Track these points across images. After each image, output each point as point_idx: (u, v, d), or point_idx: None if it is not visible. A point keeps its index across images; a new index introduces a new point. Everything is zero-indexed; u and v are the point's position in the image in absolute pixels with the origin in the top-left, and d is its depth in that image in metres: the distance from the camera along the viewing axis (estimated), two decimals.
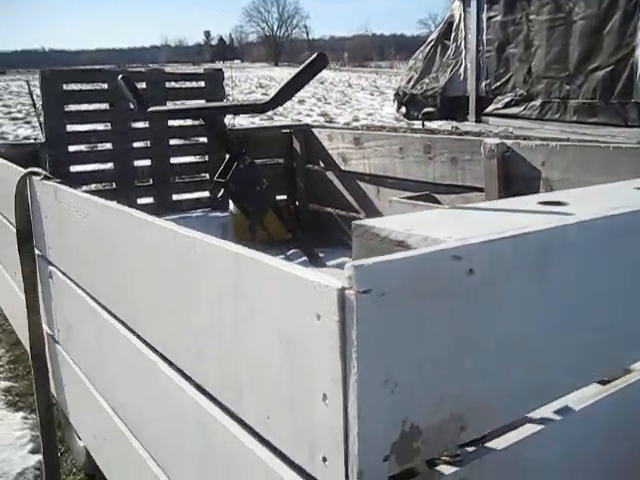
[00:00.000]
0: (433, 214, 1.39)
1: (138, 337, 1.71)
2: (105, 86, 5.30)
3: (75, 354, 2.51)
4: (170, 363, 1.55)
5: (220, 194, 3.96)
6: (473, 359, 1.00)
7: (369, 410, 0.88)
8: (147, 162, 5.51)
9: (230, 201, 4.56)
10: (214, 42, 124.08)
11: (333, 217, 4.95)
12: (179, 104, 5.44)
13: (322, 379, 0.92)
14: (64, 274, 2.43)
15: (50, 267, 2.63)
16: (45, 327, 2.89)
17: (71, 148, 5.23)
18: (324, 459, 0.95)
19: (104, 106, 5.48)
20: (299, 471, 1.05)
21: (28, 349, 3.02)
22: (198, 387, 1.39)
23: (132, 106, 4.44)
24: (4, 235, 3.70)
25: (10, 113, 25.28)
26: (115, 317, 1.89)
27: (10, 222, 3.48)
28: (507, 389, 1.08)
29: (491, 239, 1.02)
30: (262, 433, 1.13)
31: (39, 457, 3.28)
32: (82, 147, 5.42)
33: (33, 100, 10.11)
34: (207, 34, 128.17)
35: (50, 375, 2.93)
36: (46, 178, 2.65)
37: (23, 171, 2.83)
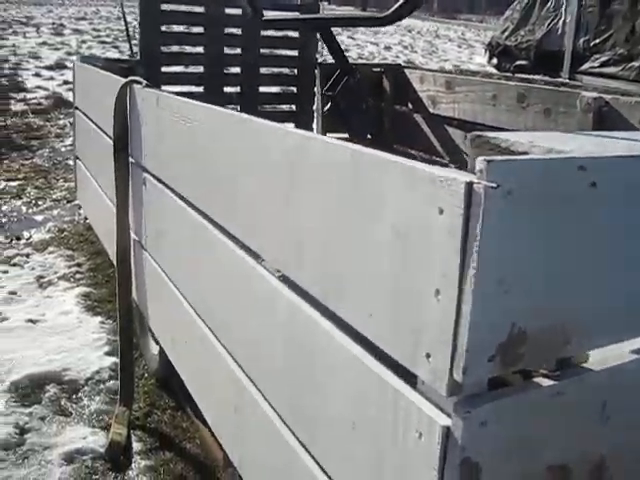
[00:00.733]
0: (553, 134, 1.36)
1: (235, 240, 1.75)
2: (201, 9, 5.34)
3: (162, 260, 2.58)
4: (266, 267, 1.59)
5: (327, 107, 3.91)
6: (588, 273, 1.00)
7: (482, 307, 0.89)
8: (237, 89, 5.55)
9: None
10: None
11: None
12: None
13: (437, 275, 0.93)
14: (159, 180, 2.49)
15: (144, 174, 2.70)
16: (132, 234, 2.97)
17: (164, 69, 5.30)
18: (427, 355, 0.97)
19: (199, 29, 5.53)
20: (396, 368, 1.07)
21: (114, 255, 3.13)
22: (295, 289, 1.42)
23: (247, 11, 4.33)
24: (97, 144, 3.81)
25: (99, 37, 25.66)
26: (211, 221, 1.93)
27: (104, 131, 3.58)
28: (616, 310, 1.07)
29: (617, 155, 1.00)
30: (361, 330, 1.15)
31: (114, 359, 3.42)
32: (175, 68, 5.46)
33: (125, 20, 10.27)
34: None
35: (133, 281, 3.03)
36: (147, 87, 2.70)
37: (124, 80, 2.89)
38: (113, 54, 19.31)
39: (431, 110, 4.69)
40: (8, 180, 6.62)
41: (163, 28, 5.25)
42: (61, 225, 5.42)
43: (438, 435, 0.95)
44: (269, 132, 1.47)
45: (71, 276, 4.49)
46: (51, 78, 13.95)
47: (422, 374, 1.00)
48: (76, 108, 4.66)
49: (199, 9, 5.33)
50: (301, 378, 1.44)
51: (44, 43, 21.94)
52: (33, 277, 4.45)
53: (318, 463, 1.40)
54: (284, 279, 1.48)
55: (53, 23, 33.73)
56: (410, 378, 1.05)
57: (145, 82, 2.75)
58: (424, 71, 5.05)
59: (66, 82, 13.19)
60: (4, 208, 5.83)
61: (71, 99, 10.94)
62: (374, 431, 1.14)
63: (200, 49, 5.48)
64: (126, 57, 13.58)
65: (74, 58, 17.09)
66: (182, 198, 2.21)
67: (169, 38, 5.43)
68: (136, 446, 2.92)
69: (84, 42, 23.15)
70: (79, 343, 3.65)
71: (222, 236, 1.84)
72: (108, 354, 3.55)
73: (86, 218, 5.11)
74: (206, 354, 2.09)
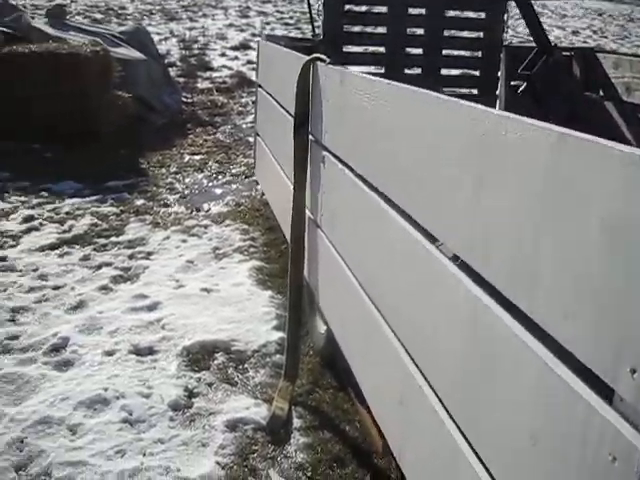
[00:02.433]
0: None
1: (414, 224, 1.69)
2: None
3: (336, 239, 2.57)
4: (444, 254, 1.51)
5: (521, 89, 3.75)
6: None
7: None
8: (417, 71, 5.48)
9: None
10: None
11: None
12: None
13: None
14: (338, 159, 2.47)
15: (323, 152, 2.69)
16: (307, 212, 2.99)
17: (345, 48, 5.32)
18: (633, 370, 0.85)
19: (382, 9, 5.50)
20: (590, 379, 0.97)
21: (288, 232, 3.17)
22: (478, 280, 1.34)
23: None
24: (277, 121, 3.86)
25: (282, 19, 26.34)
26: (390, 203, 1.88)
27: (285, 109, 3.63)
28: None
29: None
30: (552, 333, 1.05)
31: (281, 334, 3.48)
32: (356, 48, 5.47)
33: (309, 1, 10.44)
34: None
35: (305, 259, 3.05)
36: (331, 64, 2.69)
37: (308, 57, 2.90)
38: (296, 35, 19.79)
39: (625, 98, 4.38)
40: (192, 154, 6.93)
41: (346, 8, 5.27)
42: (239, 199, 5.60)
43: (637, 463, 0.85)
44: (461, 111, 1.39)
45: (245, 249, 4.62)
46: (236, 58, 14.47)
47: (623, 390, 0.89)
48: (259, 86, 4.78)
49: None
50: (477, 377, 1.36)
51: (231, 25, 22.82)
52: (210, 248, 4.62)
53: (486, 467, 1.32)
54: (465, 268, 1.40)
55: (240, 6, 35.02)
56: (605, 391, 0.94)
57: (329, 60, 2.74)
58: (620, 55, 4.72)
59: (249, 62, 13.64)
60: (187, 180, 6.12)
61: (254, 78, 11.32)
62: (557, 447, 1.04)
63: (382, 29, 5.46)
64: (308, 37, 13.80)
65: (258, 39, 17.69)
66: (361, 178, 2.18)
67: (352, 18, 5.45)
68: (296, 422, 2.94)
69: (268, 24, 23.85)
70: (249, 315, 3.74)
71: (400, 219, 1.79)
72: (276, 328, 3.61)
73: (263, 194, 5.23)
74: (374, 339, 2.05)
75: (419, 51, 5.52)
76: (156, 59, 9.15)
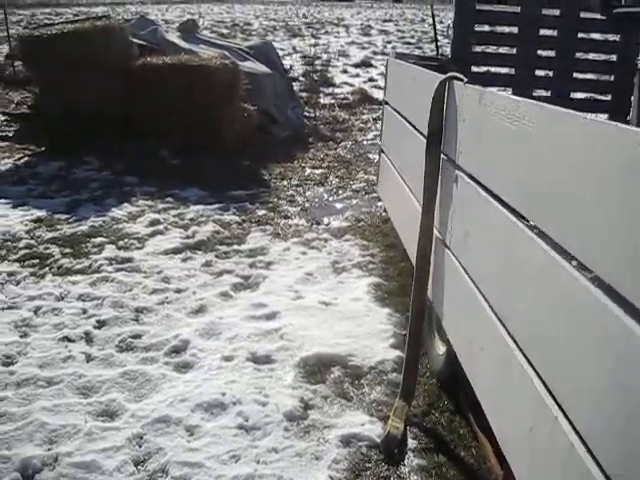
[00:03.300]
0: None
1: (559, 250, 1.63)
2: (517, 9, 5.23)
3: (467, 260, 2.51)
4: (598, 282, 1.45)
5: None
6: None
7: None
8: (547, 93, 5.37)
9: None
10: None
11: None
12: None
13: None
14: (473, 178, 2.43)
15: (457, 171, 2.65)
16: (435, 231, 2.95)
17: (474, 68, 5.27)
18: None
19: (512, 30, 5.42)
20: None
21: (411, 249, 3.14)
22: (630, 310, 1.28)
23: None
24: (405, 139, 3.85)
25: (404, 38, 26.40)
26: (530, 226, 1.83)
27: (414, 126, 3.61)
28: None
29: None
30: None
31: (399, 353, 3.45)
32: (483, 68, 5.40)
33: (434, 21, 10.41)
34: None
35: (430, 278, 3.01)
36: (469, 83, 2.65)
37: (443, 76, 2.87)
38: (420, 54, 19.76)
39: None
40: (313, 168, 7.02)
41: (476, 28, 5.22)
42: (358, 215, 5.61)
43: None
44: (616, 133, 1.33)
45: (364, 265, 4.62)
46: (357, 75, 14.61)
47: None
48: (385, 103, 4.78)
49: (515, 9, 5.24)
50: (622, 413, 1.29)
51: (352, 42, 23.08)
52: (329, 262, 4.65)
53: None
54: (614, 294, 1.33)
55: (361, 24, 35.39)
56: None
57: (466, 79, 2.71)
58: None
59: (371, 79, 13.76)
60: (308, 193, 6.19)
61: (375, 95, 11.39)
62: None
63: (512, 50, 5.39)
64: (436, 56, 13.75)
65: (381, 57, 17.78)
66: (497, 198, 2.13)
67: (481, 38, 5.39)
68: (411, 443, 2.90)
69: (389, 42, 23.95)
70: (366, 331, 3.73)
71: (540, 241, 1.73)
72: (393, 347, 3.58)
73: (384, 210, 5.21)
74: (506, 367, 1.98)
75: (549, 73, 5.41)
76: (281, 74, 9.34)
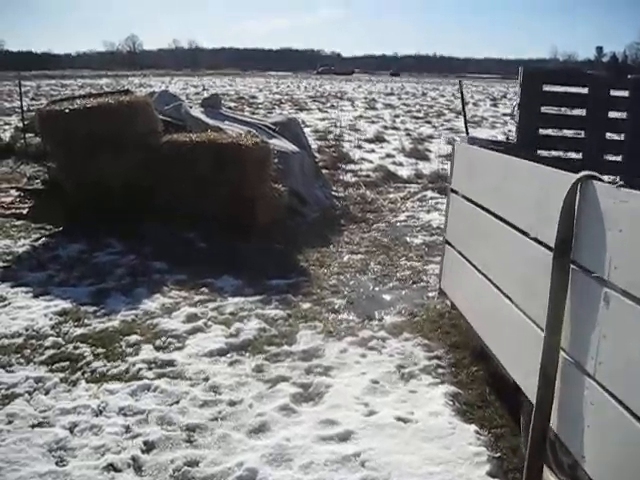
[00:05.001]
0: None
1: None
2: (585, 90, 4.93)
3: (626, 393, 2.07)
4: None
5: None
6: None
7: None
8: (615, 178, 4.98)
9: None
10: (605, 59, 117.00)
11: None
12: None
13: None
14: (635, 298, 2.00)
15: (606, 289, 2.22)
16: (563, 353, 2.52)
17: (541, 152, 4.93)
18: None
19: (580, 112, 5.12)
20: None
21: (503, 356, 2.69)
22: None
23: None
24: (493, 234, 3.45)
25: (410, 112, 26.45)
26: None
27: (507, 222, 3.22)
28: None
29: None
30: None
31: None
32: (551, 152, 5.04)
33: (462, 99, 10.16)
34: (599, 50, 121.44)
35: (554, 408, 2.55)
36: (620, 186, 2.27)
37: (576, 175, 2.48)
38: (427, 129, 19.66)
39: None
40: (351, 253, 6.59)
41: (543, 109, 4.89)
42: (411, 308, 5.15)
43: None
44: None
45: (432, 370, 4.14)
46: (372, 151, 14.38)
47: None
48: (452, 191, 4.38)
49: (583, 90, 4.92)
50: None
51: (360, 116, 23.05)
52: (393, 366, 4.17)
53: None
54: None
55: (365, 98, 35.72)
56: None
57: (618, 182, 2.33)
58: None
59: (388, 155, 13.52)
60: (351, 283, 5.74)
61: (399, 173, 11.08)
62: None
63: (581, 133, 5.06)
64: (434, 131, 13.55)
65: (391, 132, 17.61)
66: None
67: (548, 120, 5.06)
68: None
69: (397, 116, 23.95)
70: (457, 455, 3.23)
71: None
72: (491, 475, 3.08)
73: (452, 305, 4.69)
74: None
75: (619, 158, 5.07)
76: (308, 151, 9.03)
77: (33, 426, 3.41)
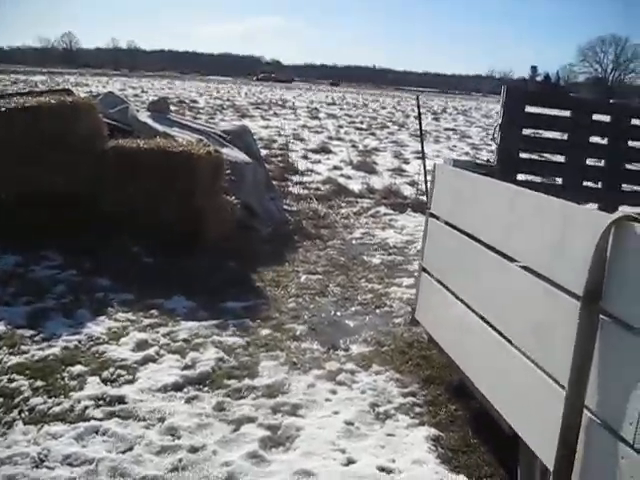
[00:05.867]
0: None
1: None
2: (568, 114, 4.72)
3: None
4: None
5: None
6: None
7: None
8: (594, 206, 4.80)
9: None
10: (539, 78, 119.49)
11: None
12: None
13: None
14: None
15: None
16: (587, 412, 2.23)
17: (520, 177, 4.69)
18: None
19: (559, 135, 4.92)
20: None
21: (489, 391, 2.40)
22: None
23: None
24: (485, 266, 3.16)
25: (353, 122, 26.29)
26: None
27: (506, 256, 2.93)
28: None
29: None
30: None
31: None
32: (529, 177, 4.80)
33: (419, 113, 9.94)
34: (534, 69, 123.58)
35: (576, 469, 2.26)
36: None
37: (609, 217, 2.20)
38: (372, 141, 19.49)
39: None
40: (308, 273, 6.23)
41: (524, 132, 4.66)
42: (378, 336, 4.82)
43: None
44: None
45: (408, 409, 3.82)
46: (319, 161, 14.07)
47: None
48: (432, 215, 4.08)
49: (565, 113, 4.71)
50: None
51: (304, 126, 22.71)
52: (367, 404, 3.84)
53: None
54: None
55: (307, 107, 35.42)
56: None
57: None
58: None
59: (336, 167, 13.22)
60: (311, 307, 5.38)
61: (350, 187, 10.78)
62: None
63: (561, 158, 4.84)
64: (383, 144, 13.34)
65: (336, 142, 17.32)
66: None
67: (530, 143, 4.82)
68: None
69: (340, 127, 23.73)
70: None
71: None
72: None
73: (430, 339, 4.37)
74: None
75: (598, 185, 4.88)
76: (260, 161, 8.64)
77: None
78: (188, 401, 3.77)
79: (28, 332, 4.52)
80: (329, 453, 3.31)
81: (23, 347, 4.29)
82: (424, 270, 4.16)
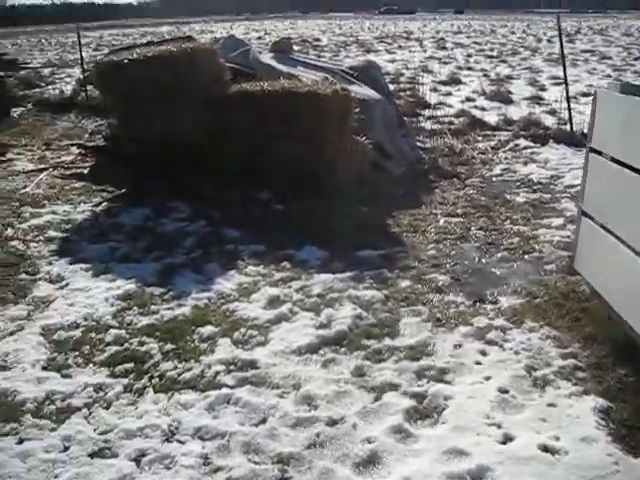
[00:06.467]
0: None
1: None
2: None
3: None
4: None
5: None
6: None
7: None
8: None
9: None
10: None
11: None
12: None
13: None
14: None
15: None
16: None
17: None
18: None
19: None
20: None
21: None
22: None
23: None
24: None
25: (482, 50, 24.99)
26: None
27: None
28: None
29: None
30: None
31: None
32: None
33: (560, 35, 9.09)
34: None
35: None
36: None
37: None
38: (504, 69, 18.38)
39: None
40: (447, 215, 5.77)
41: None
42: (529, 287, 4.33)
43: None
44: None
45: (569, 373, 3.36)
46: (449, 94, 13.35)
47: None
48: (593, 150, 3.52)
49: None
50: None
51: (431, 57, 21.78)
52: (522, 367, 3.41)
53: None
54: None
55: (433, 37, 34.08)
56: None
57: None
58: None
59: (469, 99, 12.47)
60: (453, 253, 4.94)
61: (485, 119, 10.09)
62: None
63: None
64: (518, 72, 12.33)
65: (466, 72, 16.44)
66: None
67: None
68: None
69: (469, 56, 22.58)
70: None
71: None
72: None
73: (593, 291, 3.89)
74: None
75: None
76: (389, 98, 8.14)
77: (92, 455, 2.79)
78: (324, 365, 3.48)
79: (158, 290, 4.37)
80: (483, 428, 2.92)
81: (153, 307, 4.14)
82: (585, 214, 3.64)
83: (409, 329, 3.82)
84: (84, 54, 13.98)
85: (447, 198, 6.29)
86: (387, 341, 3.70)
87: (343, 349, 3.63)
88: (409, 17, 74.84)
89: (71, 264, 4.82)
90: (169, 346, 3.66)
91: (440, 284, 4.42)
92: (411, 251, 4.98)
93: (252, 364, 3.47)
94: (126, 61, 6.48)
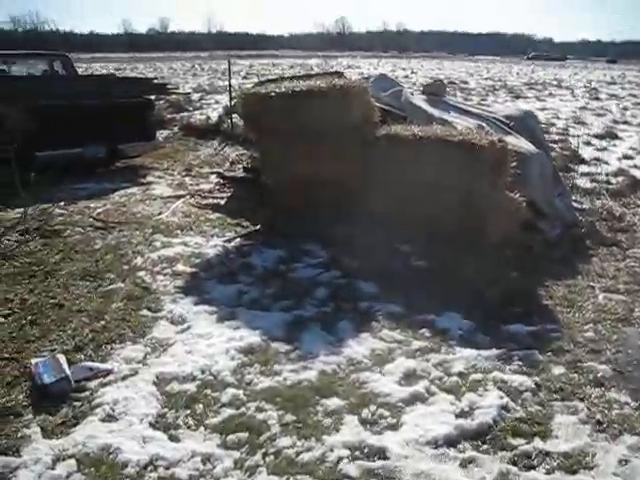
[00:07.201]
0: None
1: None
2: None
3: None
4: None
5: None
6: None
7: None
8: None
9: None
10: None
11: None
12: None
13: None
14: None
15: None
16: None
17: None
18: None
19: None
20: None
21: None
22: None
23: None
24: None
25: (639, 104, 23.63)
26: None
27: None
28: None
29: None
30: None
31: None
32: None
33: None
34: None
35: None
36: None
37: None
38: None
39: None
40: (607, 291, 5.09)
41: None
42: None
43: None
44: None
45: None
46: (604, 149, 12.48)
47: None
48: None
49: None
50: None
51: (584, 108, 20.76)
52: None
53: None
54: None
55: (585, 86, 32.72)
56: None
57: None
58: None
59: (626, 156, 11.59)
60: (614, 338, 4.31)
61: None
62: None
63: None
64: None
65: (623, 126, 15.39)
66: None
67: None
68: None
69: (625, 109, 21.35)
70: None
71: None
72: None
73: None
74: None
75: None
76: (546, 151, 7.55)
77: None
78: (463, 464, 3.00)
79: (283, 347, 4.03)
80: None
81: (276, 366, 3.80)
82: None
83: (564, 430, 3.27)
84: (233, 81, 14.15)
85: (606, 269, 5.63)
86: (537, 443, 3.16)
87: (485, 446, 3.14)
88: (559, 64, 72.86)
89: (196, 304, 4.59)
90: (289, 417, 3.29)
91: (600, 375, 3.83)
92: (566, 331, 4.40)
93: (381, 452, 3.04)
94: (273, 94, 6.28)
